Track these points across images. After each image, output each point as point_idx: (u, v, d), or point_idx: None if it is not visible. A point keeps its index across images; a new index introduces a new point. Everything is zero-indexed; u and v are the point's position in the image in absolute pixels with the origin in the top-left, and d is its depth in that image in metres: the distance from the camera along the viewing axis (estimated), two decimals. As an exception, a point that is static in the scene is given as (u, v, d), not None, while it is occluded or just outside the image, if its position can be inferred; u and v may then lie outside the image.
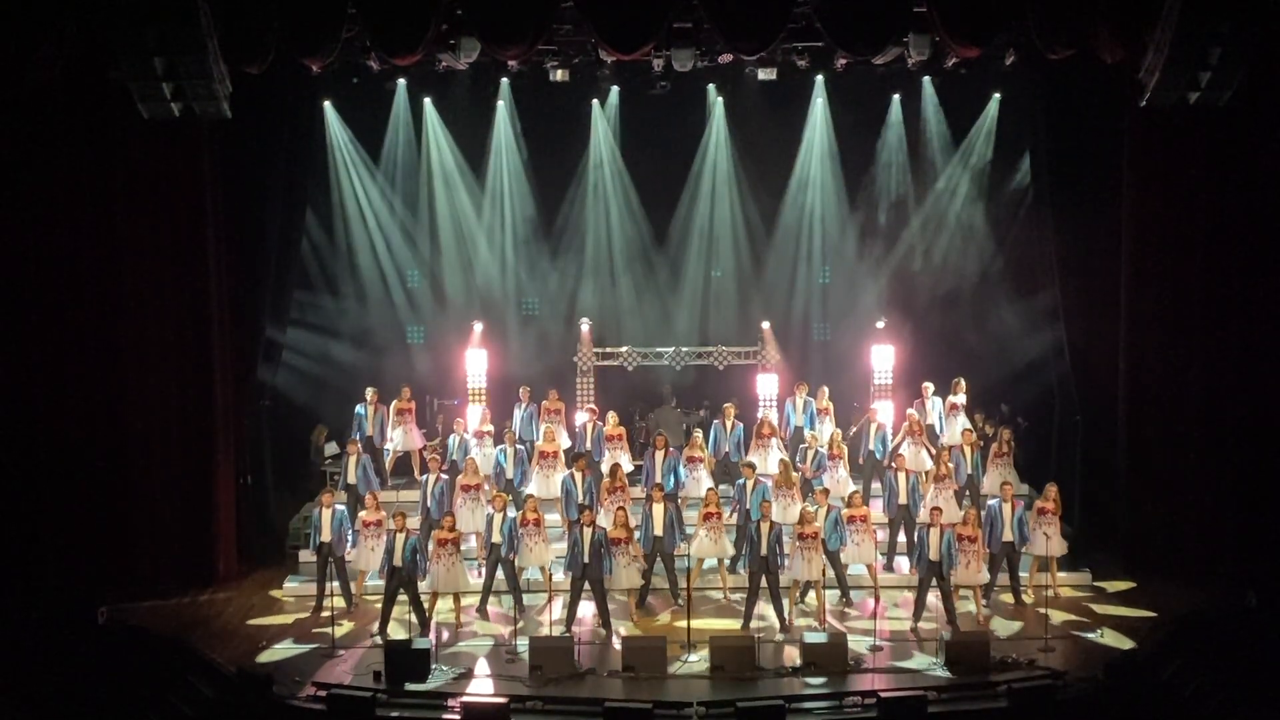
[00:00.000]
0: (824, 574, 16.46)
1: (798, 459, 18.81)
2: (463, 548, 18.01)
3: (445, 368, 22.14)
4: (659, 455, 18.48)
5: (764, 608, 16.55)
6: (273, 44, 16.33)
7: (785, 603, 16.45)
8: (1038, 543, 17.03)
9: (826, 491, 17.53)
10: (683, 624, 15.75)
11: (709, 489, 17.70)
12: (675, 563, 17.11)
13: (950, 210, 22.52)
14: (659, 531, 16.96)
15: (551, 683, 14.79)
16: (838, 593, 17.09)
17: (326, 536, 17.00)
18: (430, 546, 16.53)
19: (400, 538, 16.27)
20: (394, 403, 19.81)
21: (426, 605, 16.39)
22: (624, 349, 21.87)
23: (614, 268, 22.91)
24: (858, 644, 15.66)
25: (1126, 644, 15.83)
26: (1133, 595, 17.64)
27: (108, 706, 14.09)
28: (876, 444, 19.30)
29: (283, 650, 15.93)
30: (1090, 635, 16.16)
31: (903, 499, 17.87)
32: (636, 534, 16.90)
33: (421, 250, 22.82)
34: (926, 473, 18.50)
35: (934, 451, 18.80)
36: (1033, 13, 16.44)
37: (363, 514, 17.25)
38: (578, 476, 18.07)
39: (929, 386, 19.99)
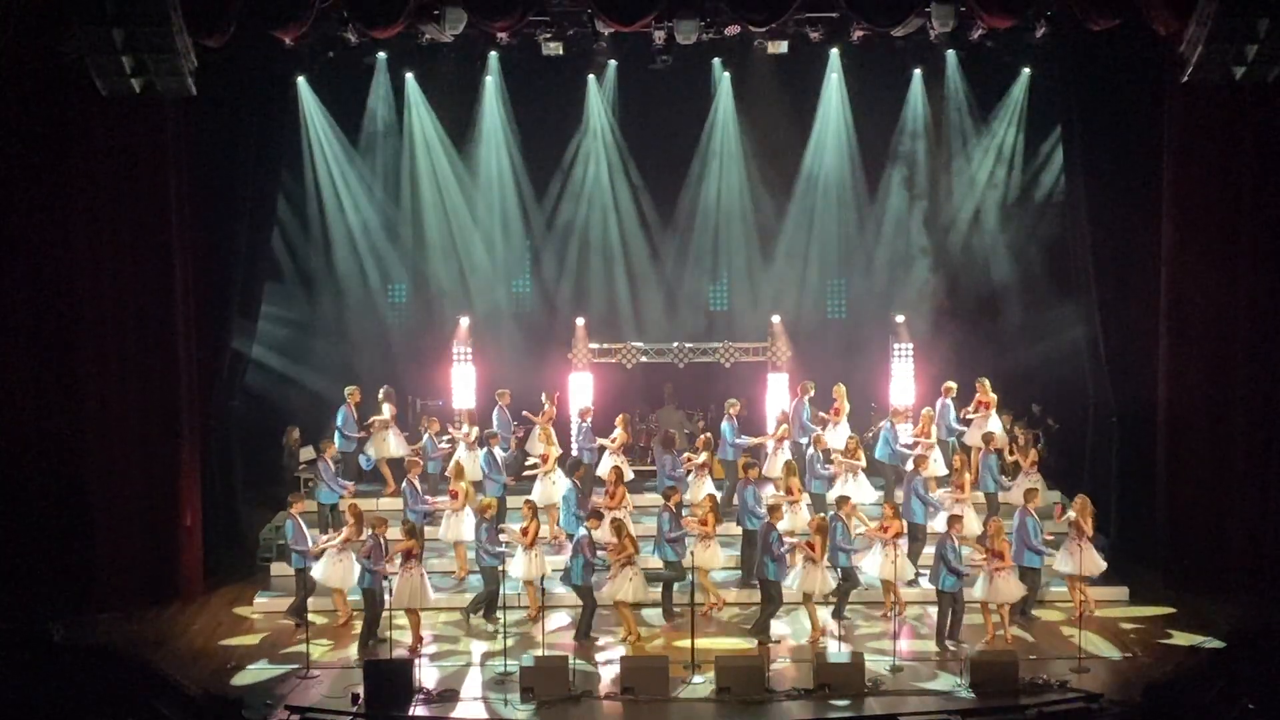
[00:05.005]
0: (821, 589, 16.46)
1: (814, 461, 18.79)
2: (447, 556, 18.11)
3: (428, 365, 22.12)
4: (668, 459, 18.55)
5: (776, 623, 16.57)
6: (236, 15, 16.26)
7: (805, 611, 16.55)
8: (1071, 558, 16.96)
9: (841, 499, 17.48)
10: (686, 641, 15.75)
11: (707, 494, 17.72)
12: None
13: (975, 193, 22.48)
14: (671, 535, 17.02)
15: (543, 706, 14.73)
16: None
17: (297, 547, 16.98)
18: (397, 560, 16.36)
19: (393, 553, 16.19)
20: (375, 419, 19.81)
21: (409, 623, 16.33)
22: (623, 345, 21.86)
23: (612, 257, 22.88)
24: (876, 664, 15.60)
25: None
26: (1173, 612, 17.58)
27: (63, 732, 14.05)
28: (896, 445, 19.28)
29: (255, 671, 15.88)
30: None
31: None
32: (647, 545, 16.99)
33: (403, 238, 22.80)
34: (942, 478, 18.50)
35: (959, 459, 18.74)
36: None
37: (346, 530, 17.14)
38: (578, 483, 18.15)
39: (951, 387, 19.95)
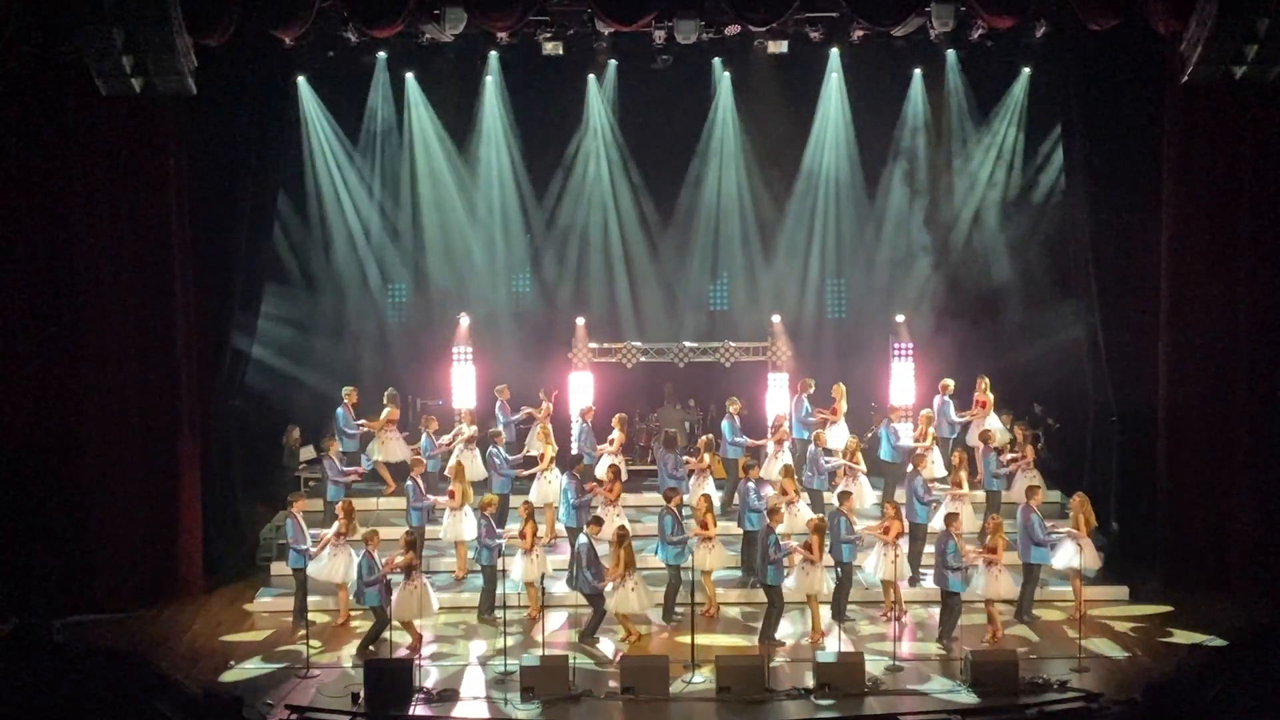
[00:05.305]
0: (821, 589, 16.47)
1: (816, 457, 18.81)
2: (448, 555, 18.12)
3: (428, 365, 22.13)
4: (670, 458, 18.62)
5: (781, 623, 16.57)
6: (235, 14, 16.26)
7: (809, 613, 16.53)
8: (1069, 555, 16.97)
9: (843, 494, 17.51)
10: (686, 639, 15.76)
11: (703, 495, 17.75)
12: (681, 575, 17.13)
13: (975, 193, 22.50)
14: (674, 538, 17.02)
15: (544, 705, 14.75)
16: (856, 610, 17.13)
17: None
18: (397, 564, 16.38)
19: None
20: (374, 420, 19.80)
21: (405, 628, 16.34)
22: (623, 345, 21.88)
23: (612, 257, 22.89)
24: (875, 664, 15.62)
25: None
26: (1173, 612, 17.60)
27: (62, 731, 14.06)
28: (897, 444, 19.30)
29: (252, 669, 15.91)
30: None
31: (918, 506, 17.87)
32: (648, 544, 17.00)
33: (403, 238, 22.79)
34: (941, 479, 18.51)
35: (957, 456, 18.76)
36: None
37: (337, 525, 17.16)
38: (577, 475, 18.19)
39: (948, 384, 20.00)
